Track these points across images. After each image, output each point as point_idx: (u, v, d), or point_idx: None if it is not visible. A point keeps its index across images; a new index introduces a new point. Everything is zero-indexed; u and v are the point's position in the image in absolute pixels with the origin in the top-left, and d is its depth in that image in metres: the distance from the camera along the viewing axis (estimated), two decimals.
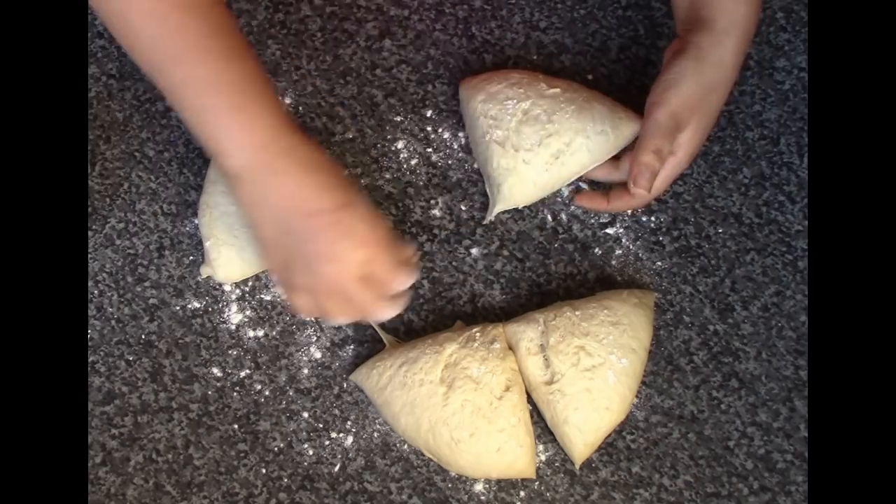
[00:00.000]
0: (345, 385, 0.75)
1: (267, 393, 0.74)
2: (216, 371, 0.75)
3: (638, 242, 0.78)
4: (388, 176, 0.80)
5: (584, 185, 0.79)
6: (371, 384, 0.72)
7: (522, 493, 0.72)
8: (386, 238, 0.66)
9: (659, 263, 0.78)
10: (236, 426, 0.74)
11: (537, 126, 0.73)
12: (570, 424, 0.70)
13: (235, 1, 0.83)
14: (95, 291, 0.76)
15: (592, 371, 0.69)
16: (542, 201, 0.79)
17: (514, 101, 0.74)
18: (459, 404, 0.68)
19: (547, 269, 0.78)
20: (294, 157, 0.63)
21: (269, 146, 0.62)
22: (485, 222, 0.78)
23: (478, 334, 0.71)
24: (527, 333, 0.71)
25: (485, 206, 0.79)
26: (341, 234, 0.63)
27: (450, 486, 0.72)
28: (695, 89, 0.67)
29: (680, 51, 0.68)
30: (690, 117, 0.68)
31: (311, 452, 0.73)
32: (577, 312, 0.71)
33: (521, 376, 0.71)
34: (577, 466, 0.72)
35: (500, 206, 0.76)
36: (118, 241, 0.78)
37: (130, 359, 0.75)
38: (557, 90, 0.75)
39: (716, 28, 0.68)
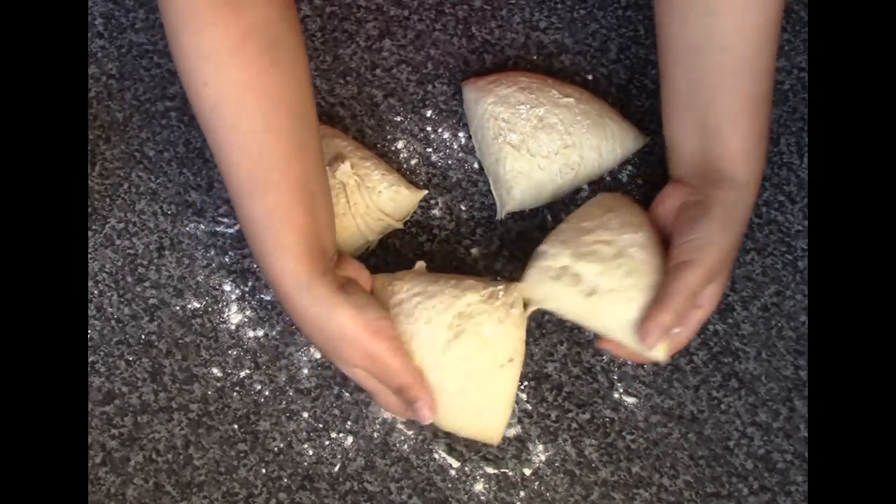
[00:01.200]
0: (345, 385, 0.75)
1: (267, 393, 0.74)
2: (216, 371, 0.75)
3: None
4: None
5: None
6: (380, 297, 0.68)
7: (522, 493, 0.72)
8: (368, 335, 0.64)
9: None
10: (236, 426, 0.74)
11: (554, 135, 0.75)
12: (636, 318, 0.65)
13: None
14: (95, 291, 0.76)
15: (621, 256, 0.66)
16: None
17: (527, 105, 0.75)
18: (459, 357, 0.65)
19: None
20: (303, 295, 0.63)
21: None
22: (497, 219, 0.78)
23: (501, 293, 0.67)
24: (546, 264, 0.68)
25: (485, 207, 0.79)
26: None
27: (450, 486, 0.72)
28: (727, 250, 0.65)
29: (703, 207, 0.65)
30: (720, 275, 0.66)
31: (311, 452, 0.73)
32: (570, 224, 0.69)
33: (524, 348, 0.68)
34: (666, 358, 0.67)
35: (508, 207, 0.77)
36: (118, 241, 0.78)
37: (130, 359, 0.75)
38: (571, 100, 0.76)
39: (738, 183, 0.66)
